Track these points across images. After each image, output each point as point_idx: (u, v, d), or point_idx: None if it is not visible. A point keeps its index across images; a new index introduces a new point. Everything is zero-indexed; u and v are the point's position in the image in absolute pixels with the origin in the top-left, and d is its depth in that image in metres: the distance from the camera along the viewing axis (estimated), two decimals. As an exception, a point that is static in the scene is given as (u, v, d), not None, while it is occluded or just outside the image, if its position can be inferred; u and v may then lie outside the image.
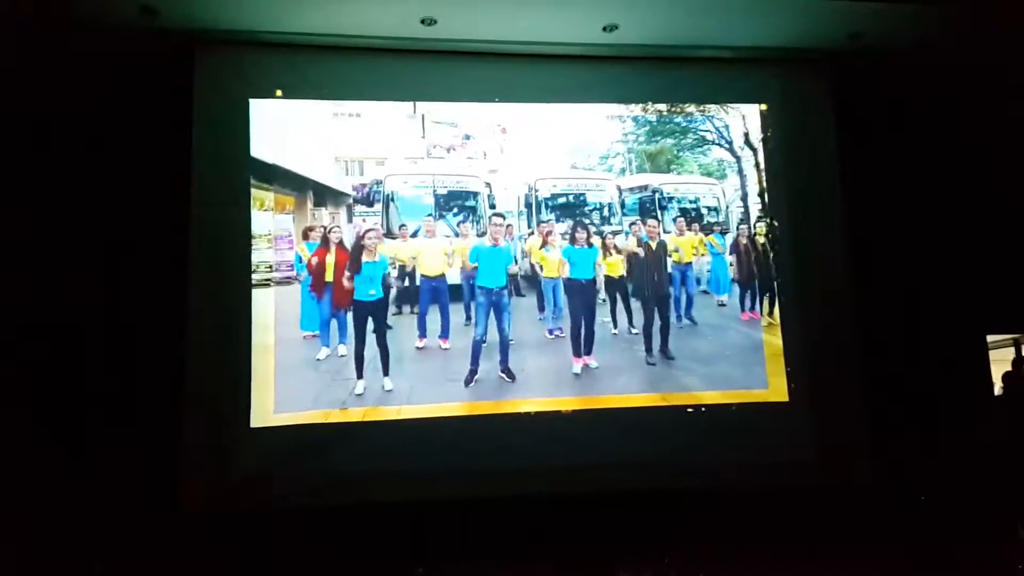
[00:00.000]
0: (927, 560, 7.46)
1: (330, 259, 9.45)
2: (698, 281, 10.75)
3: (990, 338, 9.98)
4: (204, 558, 7.56)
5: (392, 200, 10.24)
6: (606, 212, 10.90)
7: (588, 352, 9.84)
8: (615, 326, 10.20)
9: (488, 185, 10.49)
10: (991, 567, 7.38)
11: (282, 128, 9.57)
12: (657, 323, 10.08)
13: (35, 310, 8.17)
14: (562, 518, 8.16)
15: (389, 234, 10.09)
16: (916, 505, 8.18)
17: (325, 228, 9.60)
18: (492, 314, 9.67)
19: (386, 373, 9.23)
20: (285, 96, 9.55)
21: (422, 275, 9.90)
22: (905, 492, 8.31)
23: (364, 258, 9.44)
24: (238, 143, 9.18)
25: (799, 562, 7.94)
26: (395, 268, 9.82)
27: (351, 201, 10.01)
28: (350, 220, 9.99)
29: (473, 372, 9.45)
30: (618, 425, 9.22)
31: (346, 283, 9.30)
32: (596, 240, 10.42)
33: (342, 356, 9.28)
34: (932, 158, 9.81)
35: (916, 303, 9.49)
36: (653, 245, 10.46)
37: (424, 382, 9.29)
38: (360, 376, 9.18)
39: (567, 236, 10.38)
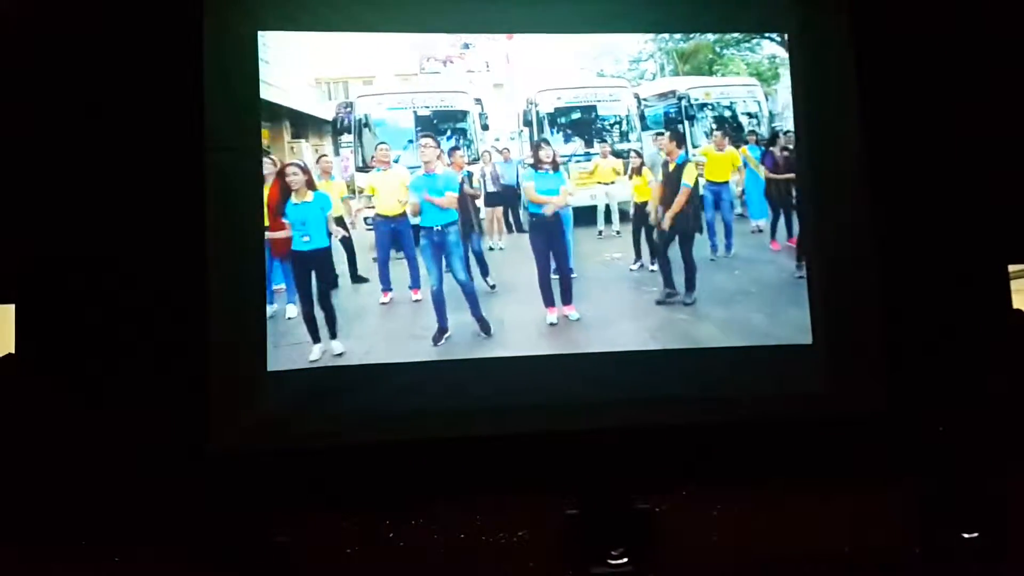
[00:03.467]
0: (944, 490, 7.14)
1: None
2: (732, 204, 9.11)
3: (1012, 268, 9.03)
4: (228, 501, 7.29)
5: (366, 126, 8.88)
6: (624, 126, 9.33)
7: (567, 300, 8.45)
8: (637, 257, 8.78)
9: (479, 102, 8.99)
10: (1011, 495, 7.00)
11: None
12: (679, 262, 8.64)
13: (51, 254, 7.67)
14: (578, 453, 7.69)
15: (364, 167, 8.76)
16: (934, 436, 7.78)
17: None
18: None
19: (333, 336, 7.93)
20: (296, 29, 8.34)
21: (378, 215, 8.45)
22: (922, 424, 7.92)
23: (293, 198, 8.04)
24: (248, 82, 8.06)
25: (815, 494, 7.63)
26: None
27: (334, 130, 8.73)
28: (337, 152, 8.71)
29: (442, 330, 8.13)
30: (631, 362, 8.24)
31: (268, 233, 7.93)
32: (612, 162, 9.05)
33: (290, 319, 8.00)
34: (953, 83, 8.77)
35: (936, 232, 8.62)
36: (670, 167, 8.80)
37: (384, 341, 8.01)
38: (316, 340, 7.92)
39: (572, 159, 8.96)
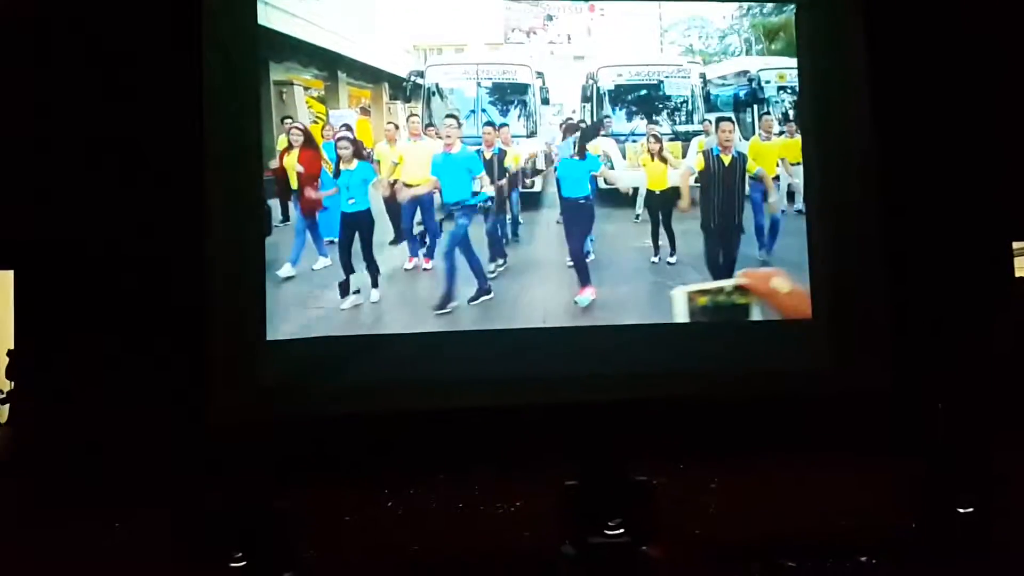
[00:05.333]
0: (943, 465, 6.74)
1: (289, 161, 8.32)
2: (792, 197, 8.85)
3: (1016, 245, 9.00)
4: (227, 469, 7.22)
5: (434, 94, 8.92)
6: (690, 106, 9.03)
7: (584, 284, 8.48)
8: (656, 252, 8.66)
9: (540, 75, 8.98)
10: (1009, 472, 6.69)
11: (353, 12, 8.70)
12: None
13: (52, 227, 7.87)
14: (577, 425, 7.73)
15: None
16: (934, 412, 7.40)
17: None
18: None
19: (375, 285, 8.30)
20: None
21: (404, 184, 8.52)
22: (924, 400, 7.58)
23: (342, 166, 8.34)
24: (247, 45, 8.21)
25: (815, 469, 7.63)
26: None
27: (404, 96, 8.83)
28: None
29: (447, 298, 8.33)
30: (634, 336, 8.35)
31: (311, 193, 8.34)
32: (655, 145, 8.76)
33: (315, 269, 8.32)
34: (961, 60, 8.67)
35: (941, 209, 8.61)
36: (727, 159, 8.63)
37: (394, 307, 8.35)
38: (344, 293, 8.25)
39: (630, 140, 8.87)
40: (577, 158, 8.54)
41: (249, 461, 7.27)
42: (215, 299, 7.86)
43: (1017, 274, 8.88)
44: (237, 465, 7.19)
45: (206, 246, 7.84)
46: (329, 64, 8.56)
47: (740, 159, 8.63)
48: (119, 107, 7.89)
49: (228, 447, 7.41)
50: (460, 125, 8.54)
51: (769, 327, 8.50)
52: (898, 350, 8.30)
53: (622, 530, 6.00)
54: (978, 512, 6.25)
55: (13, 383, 7.82)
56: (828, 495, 7.23)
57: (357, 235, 8.30)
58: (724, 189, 8.61)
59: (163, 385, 7.65)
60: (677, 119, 9.00)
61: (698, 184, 8.62)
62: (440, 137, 8.51)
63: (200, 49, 7.94)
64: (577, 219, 8.50)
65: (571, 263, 8.45)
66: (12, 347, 7.82)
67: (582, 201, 8.50)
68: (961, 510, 6.31)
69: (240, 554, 5.83)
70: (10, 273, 7.88)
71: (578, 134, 8.60)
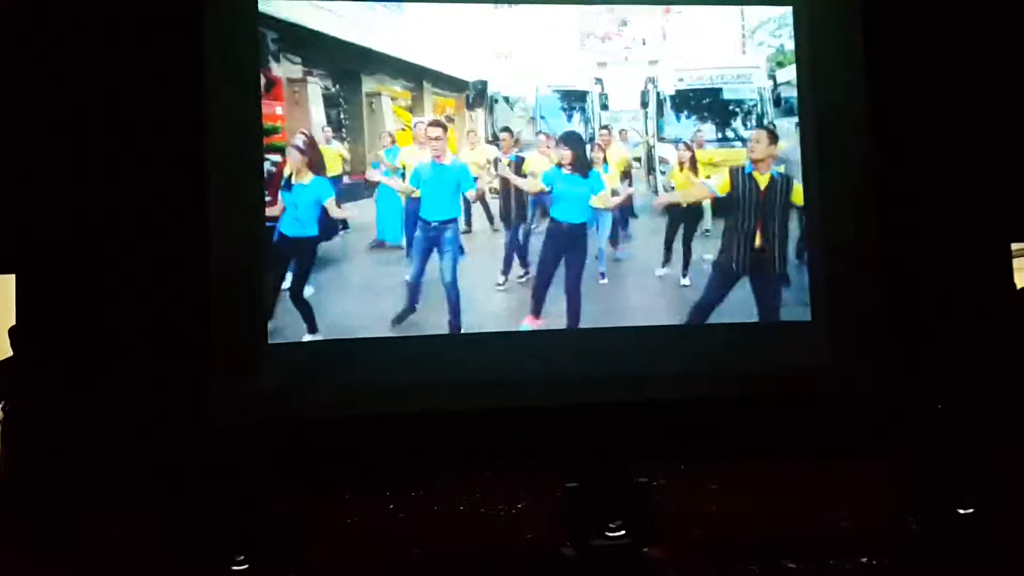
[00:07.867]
0: (942, 465, 7.01)
1: (289, 169, 8.05)
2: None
3: (1015, 246, 8.83)
4: (227, 472, 7.38)
5: (497, 101, 8.80)
6: (759, 110, 8.69)
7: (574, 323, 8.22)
8: (665, 262, 8.33)
9: (599, 82, 8.79)
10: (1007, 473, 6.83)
11: (437, 26, 8.63)
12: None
13: (51, 224, 7.83)
14: (578, 427, 7.74)
15: (494, 140, 8.77)
16: (933, 413, 7.80)
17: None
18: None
19: (311, 331, 7.95)
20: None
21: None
22: (922, 400, 7.91)
23: (293, 179, 7.98)
24: (249, 48, 8.12)
25: (815, 470, 7.61)
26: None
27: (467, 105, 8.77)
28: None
29: (410, 310, 8.04)
30: (633, 337, 8.16)
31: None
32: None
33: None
34: (960, 57, 8.56)
35: (940, 209, 8.48)
36: (762, 180, 8.29)
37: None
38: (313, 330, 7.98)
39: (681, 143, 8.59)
40: (579, 174, 8.26)
41: (250, 464, 7.34)
42: (216, 301, 7.79)
43: (1016, 275, 8.62)
44: (238, 468, 7.26)
45: (208, 248, 7.79)
46: (416, 75, 8.58)
47: (782, 180, 8.23)
48: (120, 107, 7.85)
49: (229, 450, 7.40)
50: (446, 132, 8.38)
51: (768, 328, 8.26)
52: (897, 351, 8.10)
53: (623, 531, 6.11)
54: (978, 513, 6.36)
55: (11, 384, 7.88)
56: (828, 496, 7.26)
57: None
58: (758, 218, 8.25)
59: (163, 388, 7.57)
60: (748, 124, 8.62)
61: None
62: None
63: (201, 48, 7.90)
64: (565, 248, 8.19)
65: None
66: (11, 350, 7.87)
67: (576, 227, 8.22)
68: (961, 511, 6.44)
69: (242, 557, 5.97)
70: (11, 277, 7.90)
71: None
